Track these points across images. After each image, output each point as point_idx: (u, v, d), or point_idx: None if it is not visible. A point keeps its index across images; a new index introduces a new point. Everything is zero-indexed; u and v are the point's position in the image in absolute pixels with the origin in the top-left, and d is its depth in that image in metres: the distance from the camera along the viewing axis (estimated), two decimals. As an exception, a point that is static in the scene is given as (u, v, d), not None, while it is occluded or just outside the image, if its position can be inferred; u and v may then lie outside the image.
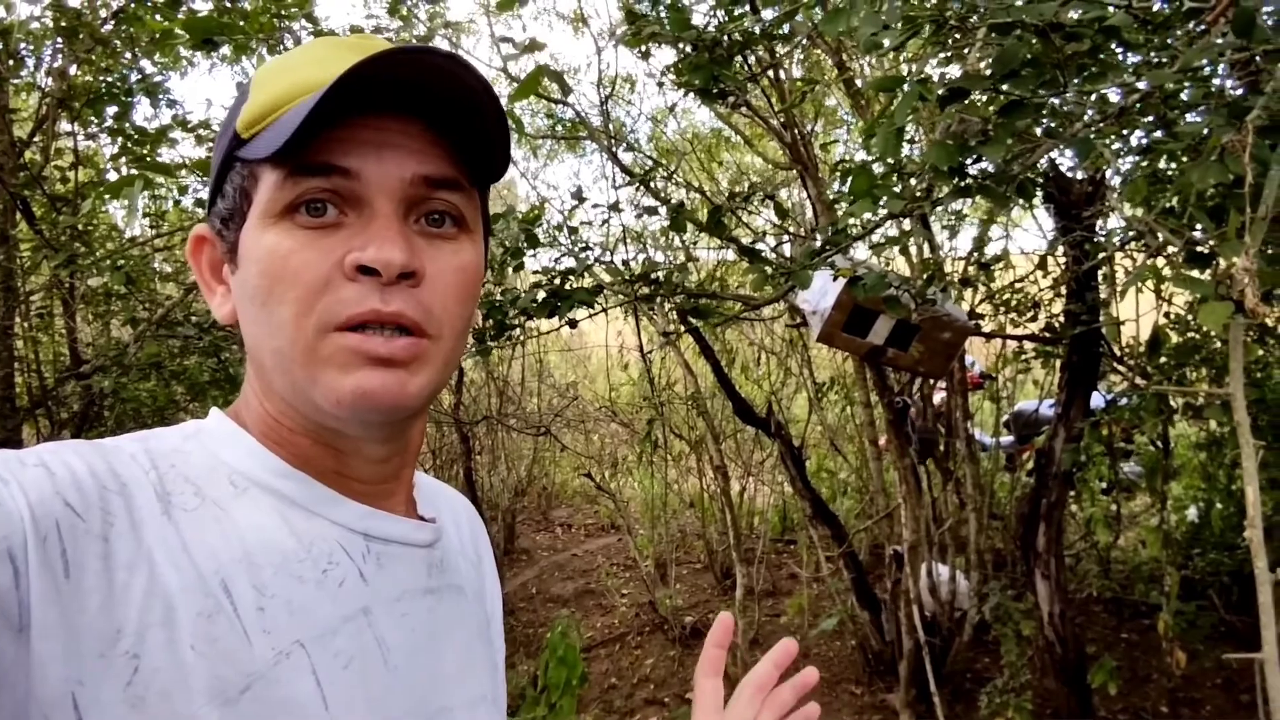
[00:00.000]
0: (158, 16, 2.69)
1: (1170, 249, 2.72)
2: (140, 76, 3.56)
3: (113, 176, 3.99)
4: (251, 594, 0.56)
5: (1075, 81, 1.25)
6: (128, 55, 3.63)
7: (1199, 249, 1.11)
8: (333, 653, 0.59)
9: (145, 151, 3.48)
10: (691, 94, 2.30)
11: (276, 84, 0.62)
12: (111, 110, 3.56)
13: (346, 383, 0.58)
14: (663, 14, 1.91)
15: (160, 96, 3.73)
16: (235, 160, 0.63)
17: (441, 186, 0.62)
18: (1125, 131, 2.30)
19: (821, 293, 3.13)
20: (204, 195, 3.74)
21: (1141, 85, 1.69)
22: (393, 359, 0.59)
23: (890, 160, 1.39)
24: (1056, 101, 1.48)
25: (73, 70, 3.62)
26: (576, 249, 2.55)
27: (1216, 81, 1.72)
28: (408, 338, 0.60)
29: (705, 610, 5.43)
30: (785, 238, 3.96)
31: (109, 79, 3.58)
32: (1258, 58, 1.15)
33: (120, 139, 3.49)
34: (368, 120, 0.59)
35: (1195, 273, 1.12)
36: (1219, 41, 1.21)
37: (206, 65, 5.01)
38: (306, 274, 0.58)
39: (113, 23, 3.39)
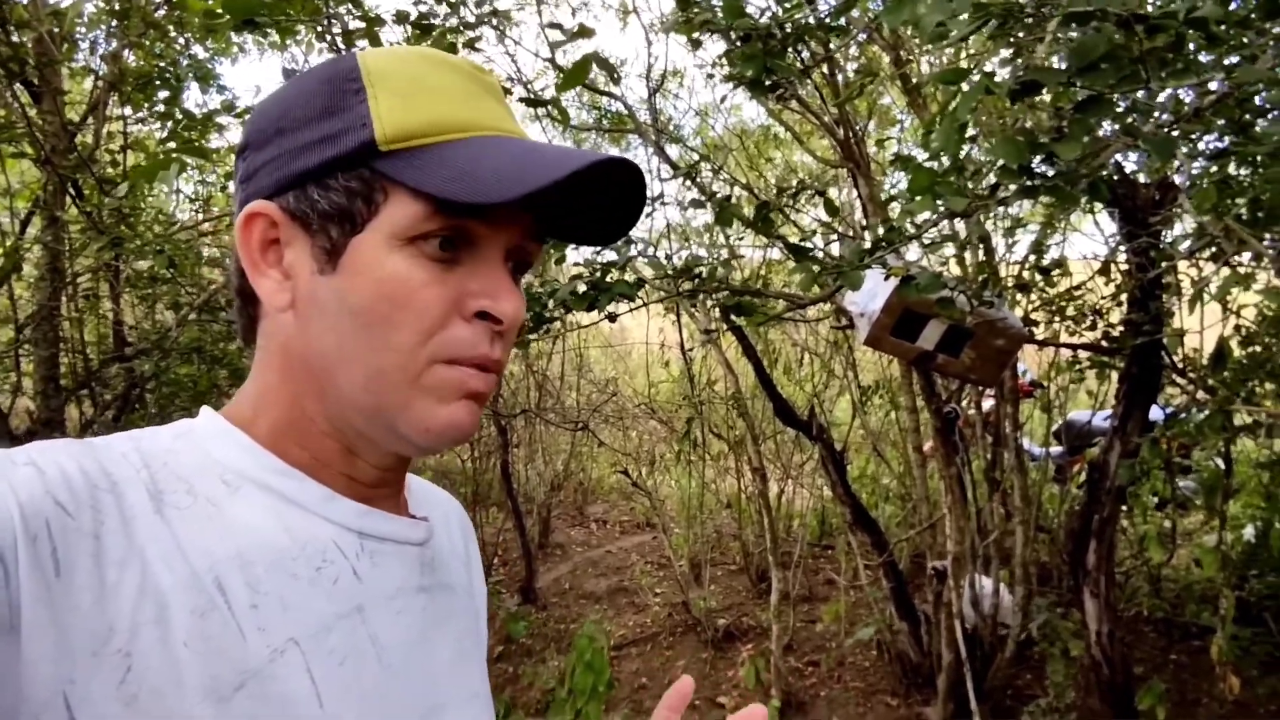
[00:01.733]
0: (203, -3, 2.69)
1: (1241, 257, 2.60)
2: (191, 61, 3.58)
3: (162, 160, 4.03)
4: (245, 591, 0.56)
5: (1160, 77, 1.17)
6: (180, 40, 3.65)
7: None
8: (327, 650, 0.59)
9: (195, 136, 3.49)
10: (741, 87, 2.23)
11: (418, 100, 0.62)
12: (162, 95, 3.59)
13: (442, 413, 0.62)
14: (715, 1, 1.85)
15: (211, 82, 3.75)
16: (365, 166, 0.61)
17: (534, 239, 0.66)
18: (1193, 135, 2.19)
19: (870, 295, 3.04)
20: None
21: (1214, 85, 1.59)
22: (481, 394, 0.64)
23: (951, 157, 1.32)
24: (1131, 100, 1.39)
25: (125, 54, 3.64)
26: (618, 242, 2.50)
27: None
28: (491, 374, 0.64)
29: (739, 613, 5.35)
30: (834, 237, 3.87)
31: (160, 63, 3.61)
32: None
33: (170, 123, 3.50)
34: None
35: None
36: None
37: (257, 53, 5.05)
38: (433, 309, 0.60)
39: (165, 7, 3.41)
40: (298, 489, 0.63)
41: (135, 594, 0.52)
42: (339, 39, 2.52)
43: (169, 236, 3.28)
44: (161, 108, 3.58)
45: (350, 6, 2.14)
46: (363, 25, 2.31)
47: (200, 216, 4.12)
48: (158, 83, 3.54)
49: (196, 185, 4.57)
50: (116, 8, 3.14)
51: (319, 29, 2.50)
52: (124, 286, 3.67)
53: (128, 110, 3.94)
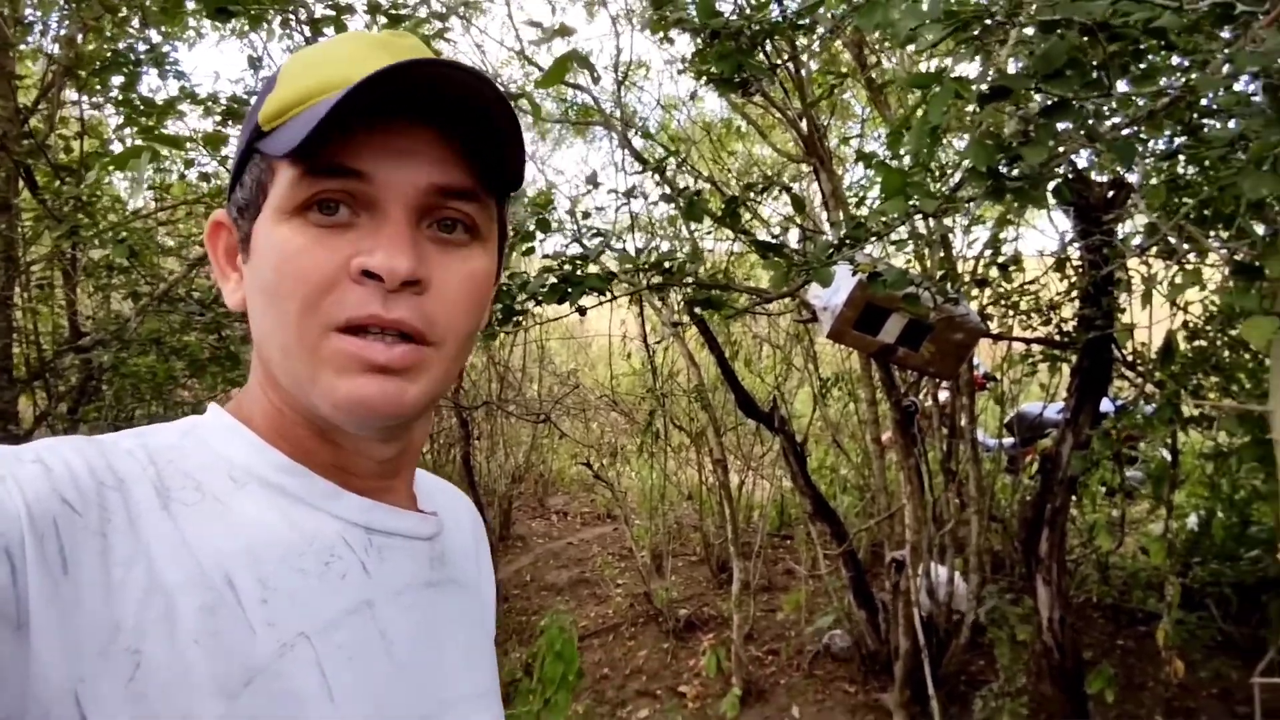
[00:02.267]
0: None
1: (1190, 256, 2.69)
2: (148, 46, 3.51)
3: (117, 147, 3.94)
4: (255, 587, 0.56)
5: (1121, 83, 1.21)
6: (135, 24, 3.58)
7: (1246, 260, 1.07)
8: (336, 645, 0.59)
9: (152, 123, 3.43)
10: (709, 83, 2.25)
11: (302, 78, 0.62)
12: (117, 80, 3.51)
13: (342, 387, 0.59)
14: (687, 0, 1.87)
15: (168, 67, 3.67)
16: (255, 152, 0.63)
17: (456, 196, 0.62)
18: (1145, 136, 2.26)
19: (833, 289, 3.09)
20: (209, 169, 3.69)
21: (1171, 89, 1.65)
22: (390, 367, 0.59)
23: (922, 159, 1.36)
24: (1093, 105, 1.44)
25: (79, 38, 3.56)
26: (586, 235, 2.51)
27: (1238, 87, 1.69)
28: (408, 345, 0.60)
29: (701, 603, 5.41)
30: (797, 232, 3.92)
31: (116, 48, 3.53)
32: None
33: (126, 109, 3.43)
34: (387, 125, 0.59)
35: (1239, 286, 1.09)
36: (1270, 45, 1.17)
37: (214, 38, 4.96)
38: (314, 272, 0.58)
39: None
40: (304, 485, 0.63)
41: (142, 592, 0.52)
42: (305, 27, 2.50)
43: (127, 224, 3.22)
44: (117, 93, 3.51)
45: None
46: (332, 13, 2.30)
47: (157, 205, 4.04)
48: (112, 67, 3.47)
49: (152, 174, 4.49)
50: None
51: (283, 16, 2.48)
52: (81, 276, 3.60)
53: (82, 95, 3.85)
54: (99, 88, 3.63)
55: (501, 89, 0.61)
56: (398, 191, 0.59)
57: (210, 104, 3.40)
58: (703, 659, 4.54)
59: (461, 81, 0.58)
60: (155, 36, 3.72)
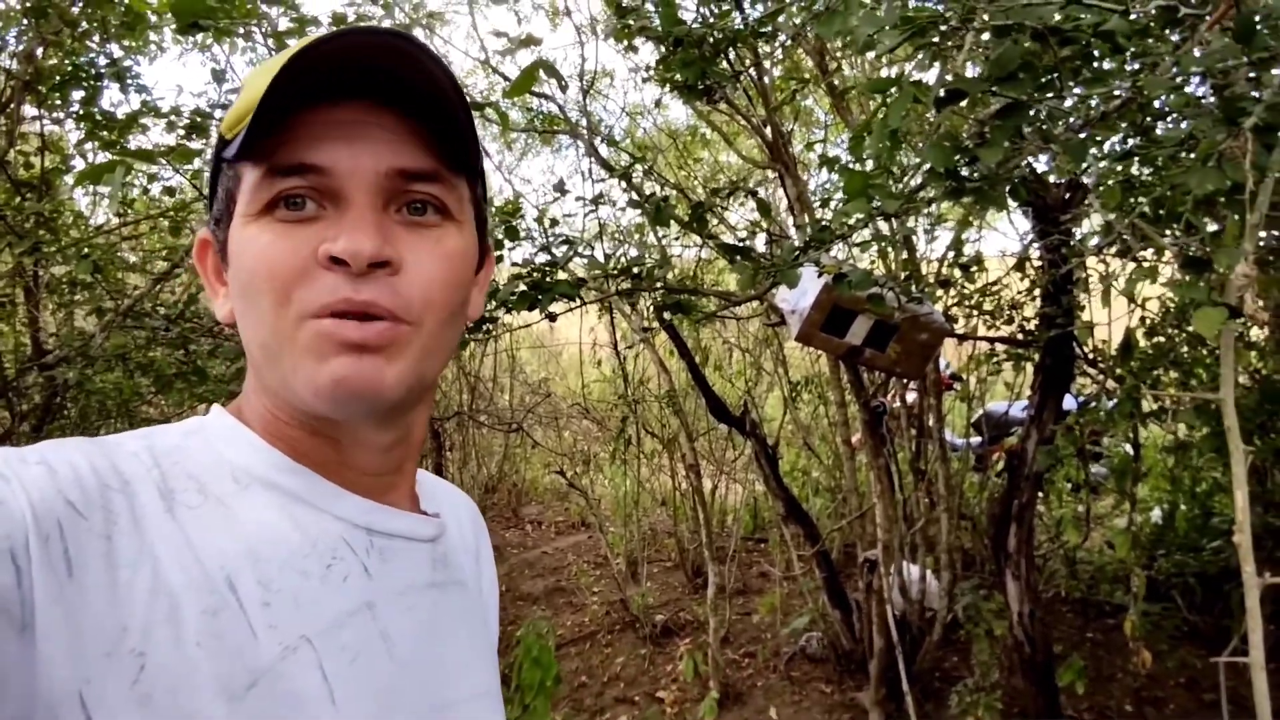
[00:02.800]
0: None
1: (1145, 252, 2.76)
2: (110, 61, 3.48)
3: (79, 163, 3.90)
4: (257, 589, 0.57)
5: (1071, 85, 1.26)
6: (96, 39, 3.54)
7: (1195, 255, 1.12)
8: (339, 647, 0.59)
9: (114, 137, 3.40)
10: (674, 90, 2.28)
11: (257, 82, 0.61)
12: (78, 95, 3.47)
13: (323, 371, 0.59)
14: (650, 9, 1.90)
15: (129, 81, 3.64)
16: (222, 162, 0.64)
17: (418, 179, 0.62)
18: (1099, 137, 2.32)
19: (801, 292, 3.13)
20: (173, 183, 3.66)
21: (1119, 91, 1.70)
22: (365, 344, 0.59)
23: (883, 161, 1.39)
24: (1046, 107, 1.48)
25: (39, 53, 3.52)
26: (554, 242, 2.53)
27: (1189, 89, 1.74)
28: (383, 322, 0.60)
29: (677, 609, 5.42)
30: (762, 235, 3.96)
31: (76, 62, 3.49)
32: (1253, 63, 1.15)
33: (86, 124, 3.40)
34: (337, 112, 0.60)
35: (1189, 278, 1.13)
36: (1213, 49, 1.22)
37: (176, 51, 4.92)
38: (283, 265, 0.59)
39: (81, 3, 3.30)
40: (306, 485, 0.63)
41: (147, 594, 0.52)
42: (269, 39, 2.50)
43: (89, 240, 3.19)
44: (78, 108, 3.47)
45: (283, 8, 2.12)
46: (295, 25, 2.30)
47: (119, 220, 3.99)
48: (72, 82, 3.43)
49: (119, 188, 4.43)
50: (30, 5, 3.04)
51: (243, 30, 2.47)
52: (43, 292, 3.55)
53: (42, 110, 3.80)
54: (59, 102, 3.59)
55: (445, 66, 0.61)
56: (359, 179, 0.60)
57: (173, 118, 3.38)
58: (680, 664, 4.55)
59: (394, 47, 0.58)
60: (117, 51, 3.69)
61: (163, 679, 0.51)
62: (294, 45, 0.68)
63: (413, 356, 0.62)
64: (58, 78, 3.39)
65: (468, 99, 0.63)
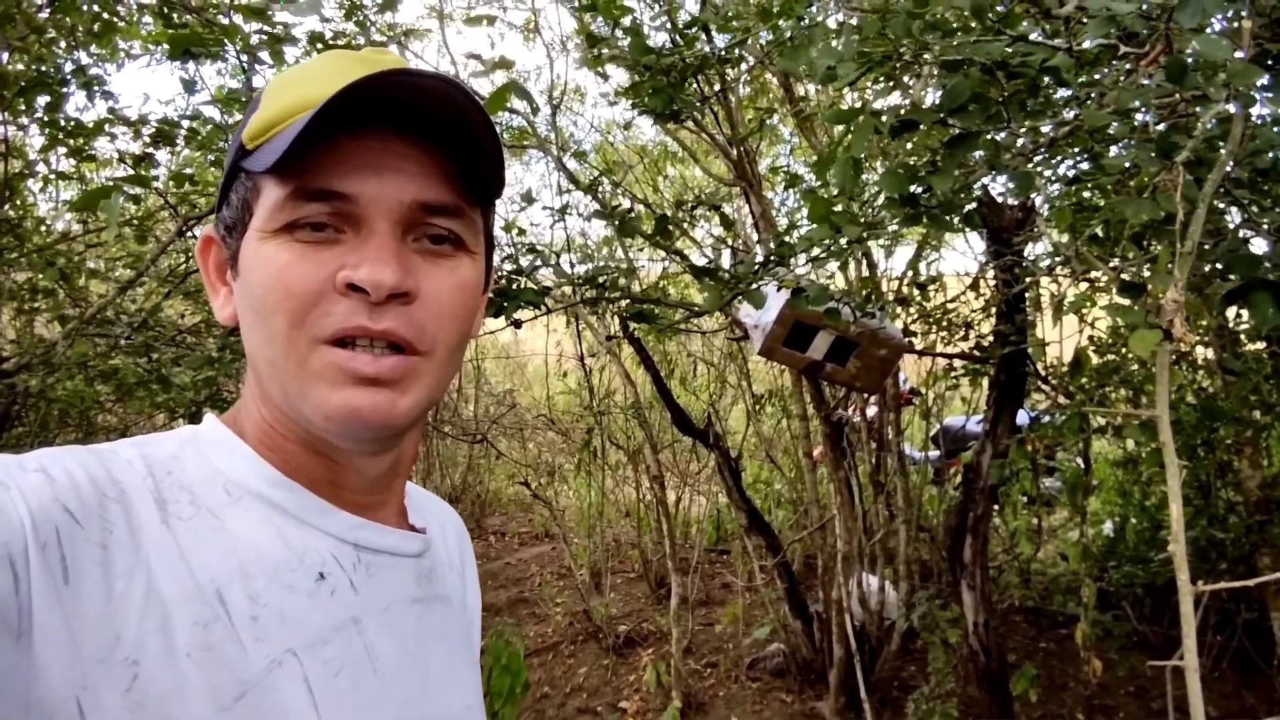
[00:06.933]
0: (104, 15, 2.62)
1: (1094, 274, 2.86)
2: (76, 67, 3.46)
3: (42, 168, 3.86)
4: (245, 603, 0.57)
5: (1019, 117, 1.33)
6: (63, 44, 3.53)
7: (1132, 280, 1.19)
8: (323, 661, 0.60)
9: (80, 144, 3.38)
10: (644, 113, 2.34)
11: (285, 95, 0.63)
12: (43, 100, 3.45)
13: (335, 399, 0.59)
14: (620, 37, 1.95)
15: (96, 88, 3.62)
16: (240, 170, 0.64)
17: (439, 213, 0.63)
18: (1053, 161, 2.42)
19: (764, 307, 3.20)
20: (137, 193, 3.64)
21: (1069, 118, 1.78)
22: (379, 378, 0.60)
23: (847, 189, 1.45)
24: (996, 136, 1.56)
25: (4, 58, 3.49)
26: (521, 251, 2.57)
27: (1139, 118, 1.83)
28: (397, 356, 0.60)
29: (640, 619, 5.45)
30: (726, 250, 4.03)
31: (41, 68, 3.47)
32: (1185, 101, 1.23)
33: (50, 130, 3.38)
34: (368, 140, 0.61)
35: (1126, 302, 1.20)
36: (1150, 85, 1.30)
37: (145, 59, 4.89)
38: (300, 286, 0.59)
39: (48, 9, 3.29)
40: (296, 500, 0.64)
41: (141, 604, 0.53)
42: (241, 55, 2.52)
43: (53, 247, 3.17)
44: (42, 114, 3.45)
45: (259, 25, 2.15)
46: (266, 39, 2.32)
47: (82, 228, 3.96)
48: (38, 87, 3.41)
49: (76, 195, 4.40)
50: (-3, 11, 3.02)
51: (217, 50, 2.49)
52: (3, 298, 3.52)
53: (6, 115, 3.77)
54: (23, 108, 3.56)
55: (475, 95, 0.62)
56: (383, 208, 0.60)
57: (140, 126, 3.37)
58: (643, 674, 4.58)
59: (439, 91, 0.58)
60: (84, 58, 3.67)
61: (154, 689, 0.52)
62: (318, 59, 0.69)
63: (424, 387, 0.63)
64: (22, 83, 3.36)
65: (493, 122, 0.63)
